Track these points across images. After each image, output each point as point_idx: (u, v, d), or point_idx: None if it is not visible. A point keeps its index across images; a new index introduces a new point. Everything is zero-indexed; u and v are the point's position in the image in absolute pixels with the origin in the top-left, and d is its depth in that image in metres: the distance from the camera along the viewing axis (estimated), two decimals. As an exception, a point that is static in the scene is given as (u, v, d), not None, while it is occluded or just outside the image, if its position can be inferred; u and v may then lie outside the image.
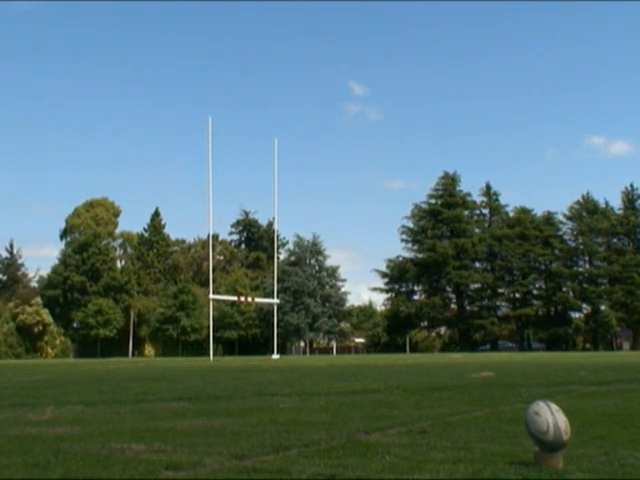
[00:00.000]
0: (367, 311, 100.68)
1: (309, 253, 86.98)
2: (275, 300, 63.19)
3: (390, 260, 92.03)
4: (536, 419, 4.95)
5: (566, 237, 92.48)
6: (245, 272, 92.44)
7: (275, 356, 54.53)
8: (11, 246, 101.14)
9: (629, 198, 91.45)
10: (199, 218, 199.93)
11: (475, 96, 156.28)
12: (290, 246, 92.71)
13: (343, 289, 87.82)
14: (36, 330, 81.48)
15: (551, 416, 4.92)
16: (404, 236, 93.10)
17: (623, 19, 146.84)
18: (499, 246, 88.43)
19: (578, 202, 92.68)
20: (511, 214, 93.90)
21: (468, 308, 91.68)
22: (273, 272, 65.15)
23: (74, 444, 6.54)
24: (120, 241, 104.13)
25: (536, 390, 12.18)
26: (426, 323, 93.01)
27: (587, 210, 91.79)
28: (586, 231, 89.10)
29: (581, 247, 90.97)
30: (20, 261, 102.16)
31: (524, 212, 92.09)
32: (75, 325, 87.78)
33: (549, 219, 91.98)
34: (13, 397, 13.24)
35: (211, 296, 57.88)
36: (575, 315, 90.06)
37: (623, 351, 73.99)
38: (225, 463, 5.41)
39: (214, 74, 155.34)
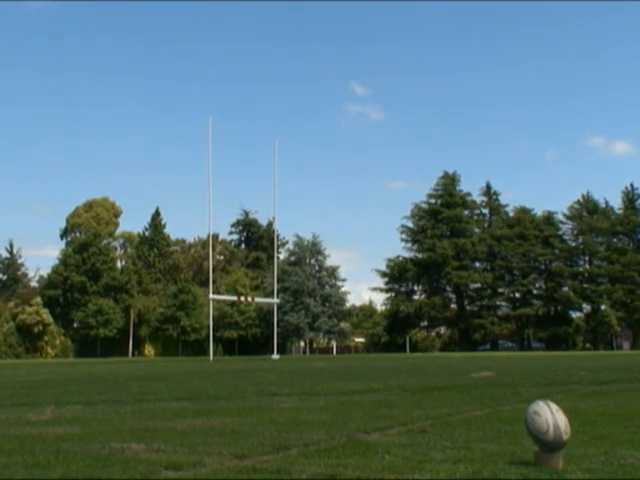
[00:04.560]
0: (367, 311, 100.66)
1: (309, 253, 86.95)
2: (275, 300, 63.18)
3: (390, 260, 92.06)
4: (536, 419, 4.95)
5: (566, 237, 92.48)
6: (245, 272, 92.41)
7: (275, 356, 54.51)
8: (11, 246, 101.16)
9: (629, 198, 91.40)
10: (199, 218, 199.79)
11: (476, 96, 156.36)
12: (290, 246, 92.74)
13: (343, 289, 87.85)
14: (36, 330, 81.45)
15: (551, 416, 4.92)
16: (404, 236, 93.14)
17: (623, 19, 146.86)
18: (499, 246, 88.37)
19: (578, 202, 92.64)
20: (511, 214, 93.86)
21: (468, 308, 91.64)
22: (273, 272, 65.14)
23: (74, 444, 6.55)
24: (121, 241, 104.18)
25: (536, 390, 12.18)
26: (426, 323, 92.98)
27: (587, 210, 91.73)
28: (586, 231, 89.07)
29: (581, 247, 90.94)
30: (20, 261, 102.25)
31: (524, 212, 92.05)
32: (75, 325, 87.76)
33: (549, 219, 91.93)
34: (13, 397, 13.25)
35: (211, 296, 57.89)
36: (575, 315, 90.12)
37: (623, 351, 74.00)
38: (225, 463, 5.42)
39: (215, 74, 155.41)
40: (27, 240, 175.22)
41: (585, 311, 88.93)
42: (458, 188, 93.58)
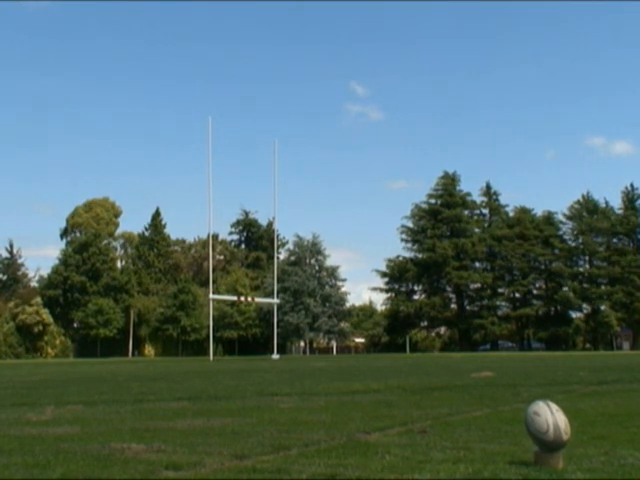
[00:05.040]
0: (367, 311, 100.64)
1: (309, 253, 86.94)
2: (275, 300, 63.15)
3: (390, 260, 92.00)
4: (536, 419, 4.95)
5: (566, 237, 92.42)
6: (245, 272, 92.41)
7: (275, 356, 54.50)
8: (11, 246, 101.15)
9: (629, 198, 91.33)
10: (199, 218, 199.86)
11: (476, 96, 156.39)
12: (290, 246, 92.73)
13: (343, 289, 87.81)
14: (36, 330, 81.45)
15: (551, 416, 4.92)
16: (404, 236, 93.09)
17: (623, 19, 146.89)
18: (499, 246, 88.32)
19: (578, 202, 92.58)
20: (511, 214, 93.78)
21: (468, 308, 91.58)
22: (273, 272, 65.14)
23: (74, 444, 6.55)
24: (121, 241, 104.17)
25: (536, 390, 12.18)
26: (426, 323, 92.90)
27: (587, 210, 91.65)
28: (586, 231, 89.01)
29: (581, 247, 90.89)
30: (20, 261, 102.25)
31: (524, 212, 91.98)
32: (75, 325, 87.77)
33: (549, 219, 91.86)
34: (13, 397, 13.25)
35: (211, 296, 57.88)
36: (575, 315, 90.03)
37: (623, 351, 74.00)
38: (225, 463, 5.42)
39: (215, 74, 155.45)
40: (27, 240, 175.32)
41: (585, 311, 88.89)
42: (458, 188, 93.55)
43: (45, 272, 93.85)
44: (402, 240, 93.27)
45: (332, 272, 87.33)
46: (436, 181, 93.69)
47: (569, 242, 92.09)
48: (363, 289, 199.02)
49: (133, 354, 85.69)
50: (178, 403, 10.92)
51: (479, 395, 11.48)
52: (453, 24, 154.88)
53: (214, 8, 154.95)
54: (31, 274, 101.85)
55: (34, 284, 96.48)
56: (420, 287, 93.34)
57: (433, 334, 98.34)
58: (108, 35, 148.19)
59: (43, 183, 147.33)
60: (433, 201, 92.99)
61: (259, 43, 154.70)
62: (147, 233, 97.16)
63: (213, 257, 73.69)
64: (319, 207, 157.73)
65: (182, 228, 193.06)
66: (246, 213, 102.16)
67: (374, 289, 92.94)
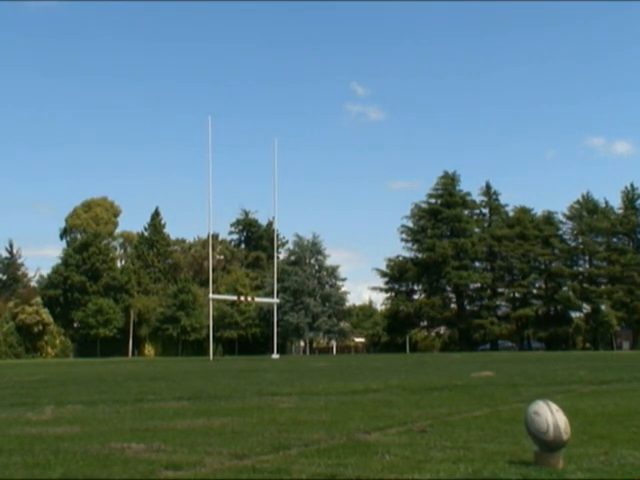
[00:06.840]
0: (367, 311, 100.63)
1: (309, 253, 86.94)
2: (275, 300, 63.15)
3: (390, 259, 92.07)
4: (536, 419, 4.95)
5: (566, 237, 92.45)
6: (245, 272, 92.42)
7: (275, 356, 54.49)
8: (11, 246, 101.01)
9: (629, 198, 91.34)
10: (199, 218, 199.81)
11: (476, 96, 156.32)
12: (290, 246, 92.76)
13: (343, 288, 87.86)
14: (36, 330, 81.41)
15: (551, 416, 4.92)
16: (404, 235, 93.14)
17: (623, 19, 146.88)
18: (499, 246, 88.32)
19: (578, 202, 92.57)
20: (511, 214, 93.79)
21: (468, 308, 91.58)
22: (273, 272, 65.14)
23: (74, 444, 6.55)
24: (120, 241, 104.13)
25: (536, 390, 12.18)
26: (426, 323, 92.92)
27: (587, 210, 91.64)
28: (586, 231, 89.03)
29: (581, 247, 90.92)
30: (20, 261, 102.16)
31: (524, 212, 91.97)
32: (75, 325, 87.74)
33: (549, 219, 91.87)
34: (13, 397, 13.25)
35: (211, 296, 57.87)
36: (575, 315, 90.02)
37: (623, 351, 73.99)
38: (225, 463, 5.42)
39: (215, 74, 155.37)
40: (27, 240, 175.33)
41: (585, 311, 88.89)
42: (458, 188, 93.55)
43: (45, 272, 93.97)
44: (402, 240, 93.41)
45: (332, 272, 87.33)
46: (436, 181, 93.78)
47: (569, 242, 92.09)
48: (363, 289, 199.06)
49: (133, 354, 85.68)
50: (178, 403, 10.92)
51: (479, 395, 11.48)
52: (453, 24, 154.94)
53: (214, 8, 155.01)
54: (31, 274, 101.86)
55: (34, 284, 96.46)
56: (420, 287, 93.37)
57: (433, 334, 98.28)
58: (107, 35, 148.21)
59: (43, 183, 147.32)
60: (433, 201, 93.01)
61: (259, 43, 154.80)
62: (146, 233, 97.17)
63: (213, 257, 73.69)
64: (319, 207, 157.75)
65: (182, 228, 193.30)
66: (246, 213, 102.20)
67: (374, 289, 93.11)
